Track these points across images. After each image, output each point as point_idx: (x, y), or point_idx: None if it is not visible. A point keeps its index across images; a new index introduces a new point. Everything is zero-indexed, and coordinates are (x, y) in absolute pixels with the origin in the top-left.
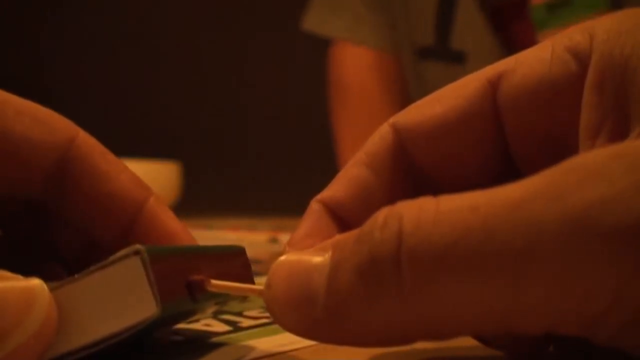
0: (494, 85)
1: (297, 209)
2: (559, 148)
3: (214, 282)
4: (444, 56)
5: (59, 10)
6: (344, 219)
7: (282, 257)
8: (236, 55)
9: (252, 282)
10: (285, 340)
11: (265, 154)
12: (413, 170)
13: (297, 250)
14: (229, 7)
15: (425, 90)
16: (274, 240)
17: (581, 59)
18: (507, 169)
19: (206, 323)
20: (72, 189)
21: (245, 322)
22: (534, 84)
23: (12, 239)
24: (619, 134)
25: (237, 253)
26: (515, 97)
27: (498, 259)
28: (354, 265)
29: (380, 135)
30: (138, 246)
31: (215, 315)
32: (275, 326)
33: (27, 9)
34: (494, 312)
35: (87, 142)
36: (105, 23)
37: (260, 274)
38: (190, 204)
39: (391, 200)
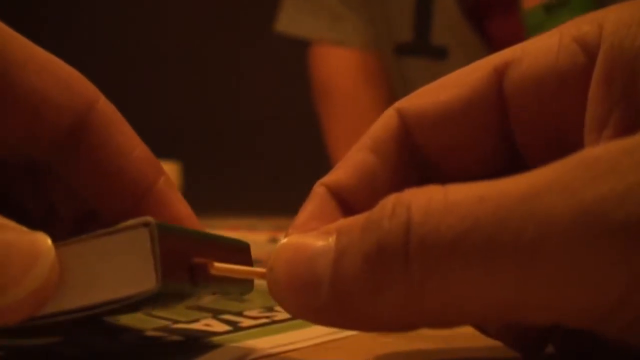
0: (500, 73)
1: (297, 209)
2: (565, 139)
3: (217, 264)
4: (425, 52)
5: (59, 10)
6: (347, 202)
7: (285, 240)
8: (236, 55)
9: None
10: (285, 340)
11: (265, 154)
12: (417, 154)
13: (300, 232)
14: (229, 7)
15: (409, 88)
16: (274, 240)
17: (589, 49)
18: (512, 158)
19: (206, 323)
20: (83, 156)
21: (245, 322)
22: (540, 74)
23: (9, 196)
24: (626, 126)
25: (242, 248)
26: (521, 86)
27: (507, 251)
28: (361, 253)
29: (385, 120)
30: (148, 218)
31: (215, 315)
32: (276, 326)
33: (27, 9)
34: (502, 302)
35: (107, 110)
36: (105, 23)
37: None
38: (190, 204)
39: (395, 184)
